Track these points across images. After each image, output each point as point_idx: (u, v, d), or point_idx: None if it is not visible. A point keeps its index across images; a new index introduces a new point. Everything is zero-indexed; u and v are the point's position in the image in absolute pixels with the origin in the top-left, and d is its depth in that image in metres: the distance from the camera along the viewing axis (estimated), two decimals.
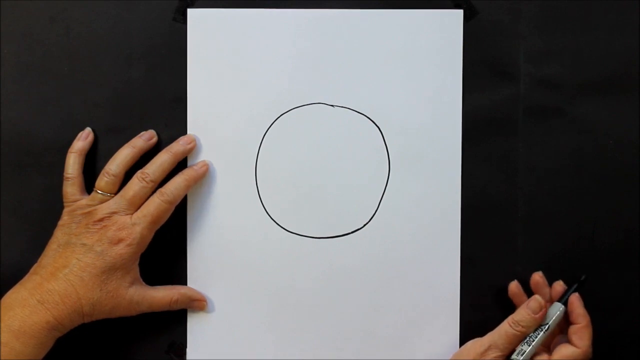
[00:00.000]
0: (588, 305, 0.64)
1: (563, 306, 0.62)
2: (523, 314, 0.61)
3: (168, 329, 0.65)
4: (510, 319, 0.62)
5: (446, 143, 0.64)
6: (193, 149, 0.64)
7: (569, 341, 0.62)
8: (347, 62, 0.64)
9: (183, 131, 0.64)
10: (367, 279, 0.65)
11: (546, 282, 0.64)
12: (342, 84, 0.64)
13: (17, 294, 0.59)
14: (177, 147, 0.63)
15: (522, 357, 0.60)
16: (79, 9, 0.64)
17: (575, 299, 0.62)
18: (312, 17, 0.64)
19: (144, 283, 0.62)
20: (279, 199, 0.65)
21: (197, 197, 0.64)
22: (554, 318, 0.62)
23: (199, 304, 0.64)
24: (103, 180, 0.61)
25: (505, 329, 0.61)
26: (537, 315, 0.61)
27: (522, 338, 0.61)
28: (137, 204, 0.61)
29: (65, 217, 0.61)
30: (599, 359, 0.65)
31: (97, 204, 0.61)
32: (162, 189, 0.62)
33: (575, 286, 0.63)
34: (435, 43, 0.64)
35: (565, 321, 0.63)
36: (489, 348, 0.61)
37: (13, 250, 0.64)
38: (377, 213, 0.65)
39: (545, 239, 0.65)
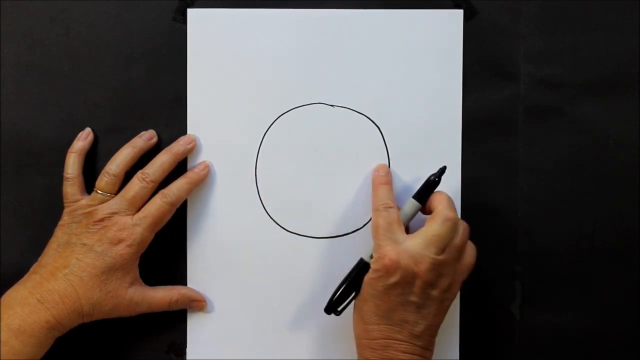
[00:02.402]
0: (588, 305, 0.64)
1: (415, 201, 0.61)
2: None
3: (168, 329, 0.65)
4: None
5: (446, 143, 0.64)
6: (193, 149, 0.64)
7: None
8: (347, 62, 0.64)
9: (183, 131, 0.64)
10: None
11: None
12: (342, 84, 0.64)
13: (17, 293, 0.59)
14: (177, 147, 0.63)
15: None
16: (79, 9, 0.64)
17: (433, 196, 0.61)
18: (312, 17, 0.64)
19: (143, 283, 0.62)
20: (279, 199, 0.65)
21: (197, 197, 0.64)
22: (405, 209, 0.61)
23: (198, 304, 0.64)
24: (103, 181, 0.61)
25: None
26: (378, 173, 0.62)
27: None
28: (137, 205, 0.61)
29: (65, 217, 0.61)
30: (599, 359, 0.65)
31: (98, 204, 0.61)
32: (164, 190, 0.62)
33: (428, 183, 0.61)
34: (435, 43, 0.64)
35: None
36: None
37: (13, 250, 0.64)
38: None
39: (545, 239, 0.65)
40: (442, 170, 0.61)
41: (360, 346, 0.59)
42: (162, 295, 0.63)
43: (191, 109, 0.64)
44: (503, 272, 0.65)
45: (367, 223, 0.65)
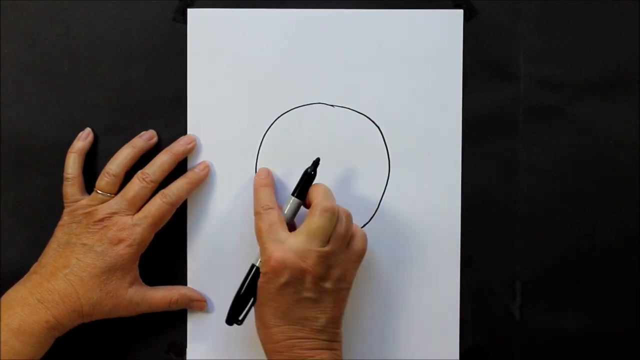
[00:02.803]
0: (588, 305, 0.64)
1: (295, 198, 0.61)
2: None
3: (168, 329, 0.65)
4: None
5: (446, 143, 0.64)
6: (193, 149, 0.64)
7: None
8: (347, 62, 0.64)
9: (183, 131, 0.64)
10: (366, 279, 0.65)
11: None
12: (342, 84, 0.64)
13: (17, 292, 0.59)
14: (177, 147, 0.63)
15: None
16: (79, 9, 0.64)
17: (311, 189, 0.60)
18: (312, 17, 0.64)
19: (143, 283, 0.62)
20: (279, 199, 0.64)
21: (197, 197, 0.64)
22: (287, 208, 0.61)
23: (198, 304, 0.64)
24: (103, 181, 0.61)
25: None
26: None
27: None
28: (137, 205, 0.61)
29: (65, 217, 0.61)
30: (599, 359, 0.65)
31: (98, 204, 0.61)
32: (165, 191, 0.62)
33: (304, 177, 0.61)
34: (435, 43, 0.64)
35: None
36: None
37: (13, 250, 0.64)
38: (377, 213, 0.65)
39: (545, 239, 0.65)
40: (316, 162, 0.61)
41: (267, 352, 0.59)
42: (162, 296, 0.63)
43: (191, 109, 0.64)
44: (503, 272, 0.65)
45: (367, 222, 0.65)
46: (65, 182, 0.62)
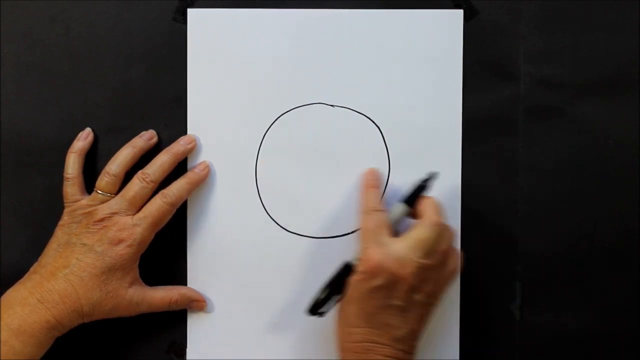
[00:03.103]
0: (588, 305, 0.64)
1: (404, 205, 0.61)
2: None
3: (168, 329, 0.65)
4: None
5: (446, 143, 0.64)
6: (193, 149, 0.64)
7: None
8: (347, 62, 0.64)
9: (183, 131, 0.64)
10: None
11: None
12: (342, 84, 0.64)
13: (17, 292, 0.59)
14: (177, 147, 0.63)
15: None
16: (79, 9, 0.64)
17: (421, 200, 0.60)
18: (312, 17, 0.64)
19: (143, 283, 0.62)
20: (279, 199, 0.65)
21: (197, 197, 0.64)
22: (393, 213, 0.61)
23: (198, 304, 0.64)
24: (103, 181, 0.61)
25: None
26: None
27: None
28: (137, 205, 0.61)
29: (65, 217, 0.61)
30: (599, 359, 0.65)
31: (98, 204, 0.61)
32: (165, 191, 0.62)
33: (417, 187, 0.61)
34: (435, 43, 0.64)
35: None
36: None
37: (13, 250, 0.64)
38: None
39: (545, 239, 0.65)
40: (432, 175, 0.61)
41: (341, 349, 0.59)
42: (162, 296, 0.63)
43: (191, 109, 0.64)
44: (503, 272, 0.65)
45: None
46: (65, 182, 0.62)
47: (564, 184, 0.65)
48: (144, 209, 0.61)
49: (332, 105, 0.65)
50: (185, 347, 0.65)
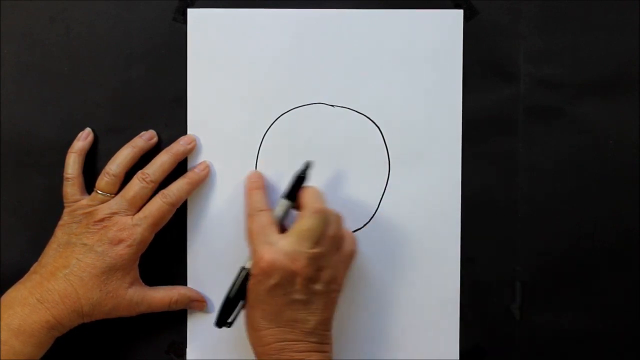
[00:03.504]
0: (588, 305, 0.64)
1: (286, 200, 0.61)
2: None
3: (168, 329, 0.65)
4: None
5: (446, 143, 0.64)
6: (193, 149, 0.64)
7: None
8: (347, 62, 0.64)
9: (183, 131, 0.64)
10: (366, 279, 0.65)
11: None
12: (342, 84, 0.64)
13: (17, 292, 0.59)
14: (177, 147, 0.63)
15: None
16: (79, 9, 0.64)
17: (301, 191, 0.60)
18: (312, 17, 0.64)
19: (143, 284, 0.62)
20: (279, 198, 0.64)
21: (197, 197, 0.64)
22: (277, 210, 0.60)
23: (198, 304, 0.64)
24: (103, 181, 0.61)
25: None
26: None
27: None
28: (137, 205, 0.61)
29: (65, 217, 0.61)
30: (599, 359, 0.65)
31: (98, 204, 0.61)
32: (165, 191, 0.62)
33: (296, 179, 0.61)
34: (435, 43, 0.64)
35: None
36: None
37: (13, 250, 0.64)
38: (377, 213, 0.65)
39: (545, 239, 0.65)
40: (308, 164, 0.61)
41: (257, 354, 0.59)
42: (162, 296, 0.63)
43: (191, 109, 0.64)
44: (503, 272, 0.65)
45: (367, 222, 0.65)
46: (65, 182, 0.62)
47: (564, 184, 0.65)
48: (144, 209, 0.61)
49: (332, 105, 0.64)
50: (185, 347, 0.65)
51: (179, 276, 0.65)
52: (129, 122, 0.64)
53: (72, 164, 0.62)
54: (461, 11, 0.64)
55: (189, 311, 0.65)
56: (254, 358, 0.64)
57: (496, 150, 0.65)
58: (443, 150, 0.64)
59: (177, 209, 0.62)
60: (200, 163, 0.64)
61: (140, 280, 0.62)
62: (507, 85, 0.64)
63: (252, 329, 0.59)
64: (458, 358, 0.65)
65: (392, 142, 0.65)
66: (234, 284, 0.60)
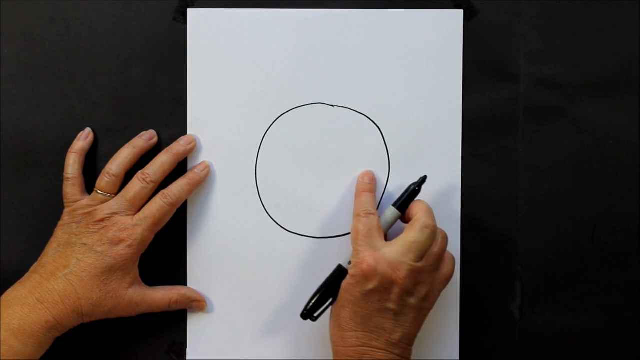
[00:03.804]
0: (588, 305, 0.64)
1: (395, 210, 0.61)
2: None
3: (168, 329, 0.65)
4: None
5: (446, 143, 0.64)
6: (193, 149, 0.64)
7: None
8: (347, 62, 0.64)
9: (183, 131, 0.64)
10: None
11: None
12: (342, 84, 0.64)
13: (16, 292, 0.59)
14: (177, 147, 0.63)
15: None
16: (79, 9, 0.64)
17: (413, 204, 0.61)
18: (312, 17, 0.64)
19: (143, 284, 0.62)
20: (279, 199, 0.65)
21: (197, 197, 0.64)
22: (386, 217, 0.61)
23: (198, 304, 0.64)
24: (103, 181, 0.61)
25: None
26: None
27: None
28: (137, 205, 0.61)
29: (65, 217, 0.61)
30: (599, 359, 0.65)
31: (98, 204, 0.61)
32: (165, 191, 0.62)
33: (409, 191, 0.61)
34: (435, 43, 0.64)
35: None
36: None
37: (13, 250, 0.64)
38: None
39: (545, 239, 0.65)
40: (423, 179, 0.61)
41: (336, 353, 0.59)
42: (162, 296, 0.63)
43: (191, 109, 0.64)
44: (503, 272, 0.65)
45: None
46: (65, 182, 0.62)
47: (564, 184, 0.65)
48: (144, 209, 0.61)
49: (332, 105, 0.64)
50: (185, 347, 0.65)
51: (179, 276, 0.65)
52: (128, 122, 0.64)
53: (72, 164, 0.62)
54: (461, 11, 0.64)
55: (189, 311, 0.65)
56: (253, 358, 0.64)
57: (496, 150, 0.65)
58: (443, 150, 0.64)
59: (177, 209, 0.62)
60: (200, 163, 0.64)
61: (140, 281, 0.62)
62: (507, 85, 0.64)
63: (338, 327, 0.59)
64: (458, 358, 0.65)
65: (392, 142, 0.65)
66: (328, 280, 0.60)
